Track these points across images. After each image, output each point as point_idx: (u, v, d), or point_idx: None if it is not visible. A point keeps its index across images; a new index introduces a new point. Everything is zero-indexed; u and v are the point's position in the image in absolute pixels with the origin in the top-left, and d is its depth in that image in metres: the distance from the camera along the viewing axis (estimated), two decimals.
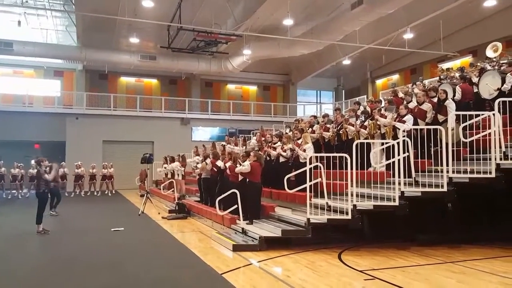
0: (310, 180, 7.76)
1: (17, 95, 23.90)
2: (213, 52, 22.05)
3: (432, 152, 7.92)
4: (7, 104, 23.35)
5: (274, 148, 11.03)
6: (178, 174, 16.00)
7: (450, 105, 8.38)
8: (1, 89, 23.72)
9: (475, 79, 10.43)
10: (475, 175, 7.12)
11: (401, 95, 11.66)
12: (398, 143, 7.36)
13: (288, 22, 18.32)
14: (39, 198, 9.84)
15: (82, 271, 6.39)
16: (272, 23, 19.73)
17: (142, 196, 16.43)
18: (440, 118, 8.39)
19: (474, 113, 7.88)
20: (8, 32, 21.19)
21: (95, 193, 20.92)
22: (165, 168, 17.43)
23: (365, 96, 23.29)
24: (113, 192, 21.30)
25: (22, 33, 21.06)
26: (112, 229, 10.02)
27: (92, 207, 15.89)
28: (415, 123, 8.54)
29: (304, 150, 9.55)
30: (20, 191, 20.16)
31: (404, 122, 8.52)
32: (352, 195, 7.35)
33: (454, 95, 9.78)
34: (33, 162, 22.62)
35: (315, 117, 12.80)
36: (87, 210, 15.02)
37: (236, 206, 8.95)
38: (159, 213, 13.02)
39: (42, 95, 24.78)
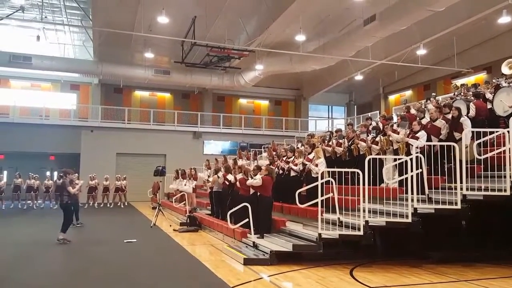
0: (322, 195, 7.75)
1: (34, 108, 24.35)
2: (225, 67, 22.29)
3: (446, 169, 7.86)
4: (25, 116, 23.84)
5: (288, 162, 11.05)
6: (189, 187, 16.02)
7: (466, 122, 8.32)
8: (19, 102, 24.24)
9: (489, 96, 10.37)
10: (489, 193, 7.04)
11: (413, 111, 11.63)
12: (411, 159, 7.33)
13: (300, 38, 18.48)
14: (64, 209, 9.98)
15: (93, 282, 6.44)
16: (284, 38, 19.92)
17: (154, 208, 16.48)
18: (457, 135, 8.26)
19: (488, 130, 7.83)
20: (27, 46, 21.76)
21: (108, 205, 21.07)
22: (184, 185, 16.97)
23: (378, 111, 23.24)
24: (126, 204, 21.44)
25: (40, 48, 21.59)
26: (125, 241, 10.10)
27: (105, 219, 16.01)
28: (428, 139, 8.50)
29: (316, 165, 9.55)
30: (35, 201, 20.41)
31: (417, 138, 8.48)
32: (364, 211, 7.31)
33: (468, 112, 9.73)
34: (49, 173, 23.08)
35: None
36: (100, 221, 15.14)
37: (247, 219, 8.95)
38: (170, 226, 13.06)
39: (59, 108, 25.23)
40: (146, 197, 22.11)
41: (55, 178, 21.47)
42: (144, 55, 22.45)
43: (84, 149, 24.07)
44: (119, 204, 21.28)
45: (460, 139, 8.10)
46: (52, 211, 17.85)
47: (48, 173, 23.07)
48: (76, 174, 19.94)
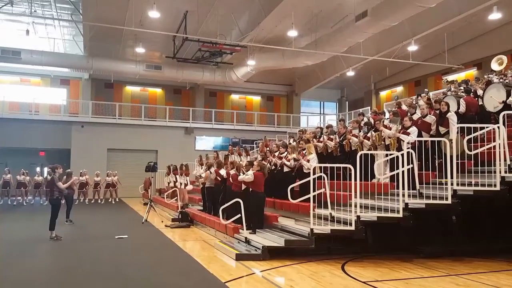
0: (314, 191, 7.77)
1: (24, 103, 24.10)
2: (217, 62, 22.20)
3: (437, 164, 7.92)
4: (14, 111, 23.56)
5: (281, 158, 11.05)
6: (181, 183, 16.00)
7: (452, 117, 8.41)
8: (8, 97, 23.91)
9: (480, 92, 10.46)
10: (479, 188, 7.10)
11: (404, 107, 11.70)
12: (402, 154, 7.38)
13: (292, 33, 18.43)
14: (53, 204, 9.91)
15: (85, 279, 6.40)
16: (276, 34, 19.88)
17: (145, 204, 16.42)
18: (442, 130, 8.41)
19: (479, 125, 7.89)
20: (17, 41, 21.47)
21: (99, 201, 20.94)
22: (174, 181, 16.79)
23: (369, 107, 23.33)
24: (117, 200, 21.32)
25: (30, 42, 21.31)
26: (116, 237, 10.05)
27: (96, 215, 15.89)
28: (419, 135, 8.56)
29: (308, 161, 9.57)
30: (25, 198, 20.19)
31: (408, 134, 8.55)
32: (356, 206, 7.35)
33: (458, 108, 9.81)
34: (39, 169, 22.84)
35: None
36: (91, 217, 15.02)
37: (239, 215, 8.95)
38: (162, 222, 13.03)
39: (49, 103, 24.97)
40: (137, 193, 22.01)
41: (45, 174, 21.27)
42: (135, 50, 22.26)
43: (74, 144, 23.87)
44: (110, 200, 21.16)
45: (446, 133, 8.19)
46: (43, 207, 17.68)
47: (38, 169, 22.83)
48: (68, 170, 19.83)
